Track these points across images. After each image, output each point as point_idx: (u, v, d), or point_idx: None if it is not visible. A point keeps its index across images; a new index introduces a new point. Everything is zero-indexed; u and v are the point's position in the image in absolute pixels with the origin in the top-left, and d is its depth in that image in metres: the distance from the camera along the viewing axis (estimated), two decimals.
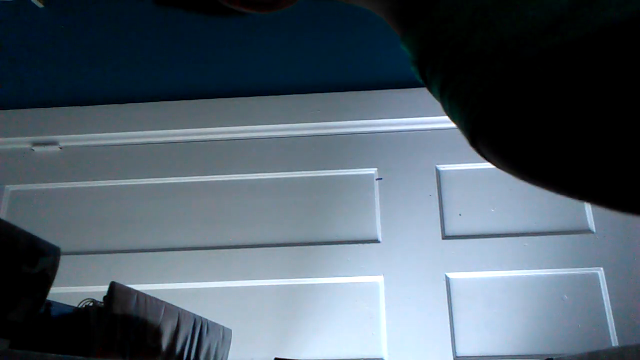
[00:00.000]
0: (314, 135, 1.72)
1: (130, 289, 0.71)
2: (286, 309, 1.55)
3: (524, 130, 0.37)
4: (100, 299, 0.70)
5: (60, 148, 1.76)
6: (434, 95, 0.47)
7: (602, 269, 1.52)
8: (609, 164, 0.34)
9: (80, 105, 1.77)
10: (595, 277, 1.53)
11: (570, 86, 0.34)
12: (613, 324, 1.47)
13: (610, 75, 0.32)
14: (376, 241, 1.59)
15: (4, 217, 1.63)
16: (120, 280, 0.70)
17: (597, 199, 0.38)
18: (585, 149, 0.34)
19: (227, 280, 1.58)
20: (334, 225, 1.62)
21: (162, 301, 0.79)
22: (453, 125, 0.50)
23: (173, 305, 0.83)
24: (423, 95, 1.70)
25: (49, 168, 1.73)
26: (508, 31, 0.36)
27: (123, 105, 1.76)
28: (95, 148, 1.75)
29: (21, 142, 1.75)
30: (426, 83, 0.47)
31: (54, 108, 1.77)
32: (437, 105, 0.50)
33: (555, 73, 0.34)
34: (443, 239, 1.58)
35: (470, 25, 0.38)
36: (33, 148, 1.75)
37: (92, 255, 1.61)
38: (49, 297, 0.53)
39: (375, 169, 1.67)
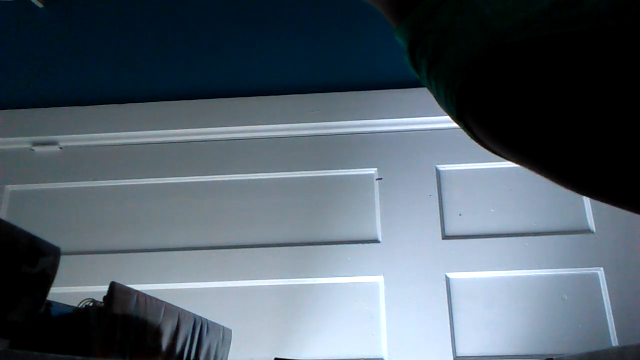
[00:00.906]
0: (314, 135, 1.72)
1: (130, 289, 0.71)
2: (286, 309, 1.55)
3: (504, 97, 0.39)
4: (100, 299, 0.70)
5: (60, 148, 1.76)
6: (422, 80, 0.50)
7: (602, 269, 1.52)
8: (578, 131, 0.36)
9: (80, 105, 1.77)
10: (595, 277, 1.53)
11: (546, 62, 0.36)
12: (613, 324, 1.47)
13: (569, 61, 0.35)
14: (376, 241, 1.59)
15: (4, 217, 1.63)
16: (120, 280, 0.70)
17: (571, 173, 0.40)
18: (556, 116, 0.37)
19: (227, 280, 1.58)
20: (334, 225, 1.62)
21: (162, 301, 0.79)
22: (453, 125, 0.52)
23: (173, 305, 0.83)
24: (423, 95, 1.70)
25: (49, 168, 1.73)
26: (490, 12, 0.39)
27: (123, 105, 1.76)
28: (95, 148, 1.75)
29: (21, 142, 1.75)
30: (416, 69, 0.50)
31: (54, 108, 1.77)
32: (437, 105, 0.51)
33: (532, 47, 0.37)
34: (443, 239, 1.58)
35: (456, 10, 0.41)
36: (33, 148, 1.75)
37: (92, 255, 1.61)
38: (49, 297, 0.53)
39: (375, 169, 1.67)
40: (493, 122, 0.42)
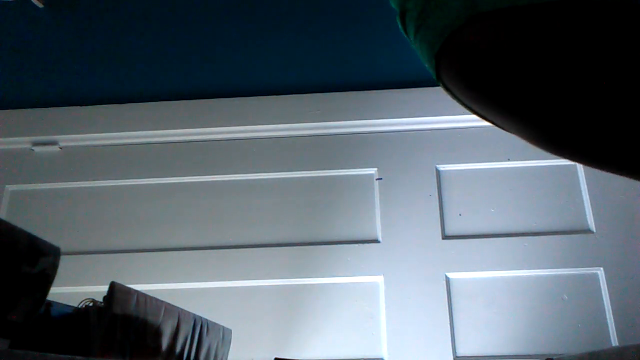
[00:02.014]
0: (314, 135, 1.72)
1: (130, 289, 0.71)
2: (286, 309, 1.55)
3: (480, 55, 0.44)
4: (100, 299, 0.70)
5: (60, 148, 1.76)
6: (411, 44, 0.55)
7: (602, 269, 1.52)
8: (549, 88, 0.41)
9: (80, 105, 1.77)
10: (595, 277, 1.53)
11: (526, 26, 0.41)
12: (613, 324, 1.47)
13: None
14: (376, 241, 1.59)
15: (4, 217, 1.63)
16: (120, 280, 0.70)
17: (541, 125, 0.45)
18: (527, 70, 0.42)
19: (227, 280, 1.58)
20: (334, 225, 1.62)
21: (162, 301, 0.79)
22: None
23: (173, 305, 0.83)
24: (423, 95, 1.70)
25: (49, 168, 1.73)
26: None
27: (123, 105, 1.76)
28: (95, 148, 1.75)
29: (21, 142, 1.75)
30: (406, 33, 0.55)
31: (54, 108, 1.77)
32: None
33: (513, 14, 0.41)
34: (443, 239, 1.58)
35: None
36: (33, 148, 1.75)
37: (92, 255, 1.61)
38: (49, 297, 0.53)
39: (375, 169, 1.67)
40: (469, 79, 0.47)
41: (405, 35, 0.56)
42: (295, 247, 1.60)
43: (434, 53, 0.48)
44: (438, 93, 1.69)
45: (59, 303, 0.68)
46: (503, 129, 0.52)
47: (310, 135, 1.72)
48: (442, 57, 0.47)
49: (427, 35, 0.48)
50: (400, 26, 0.56)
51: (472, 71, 0.45)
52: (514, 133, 0.50)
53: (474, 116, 0.53)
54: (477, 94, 0.47)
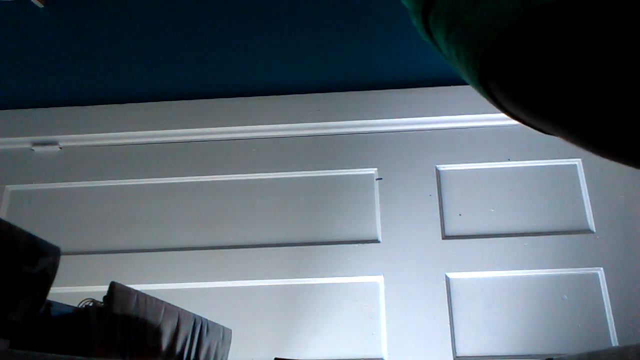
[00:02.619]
0: (314, 135, 1.72)
1: (130, 289, 0.71)
2: (286, 309, 1.55)
3: (533, 64, 0.37)
4: (100, 299, 0.70)
5: (60, 148, 1.76)
6: (437, 42, 0.48)
7: (602, 269, 1.52)
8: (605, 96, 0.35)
9: (80, 105, 1.77)
10: (595, 277, 1.53)
11: (580, 28, 0.34)
12: (613, 324, 1.47)
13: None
14: (376, 241, 1.59)
15: (4, 217, 1.63)
16: (120, 280, 0.70)
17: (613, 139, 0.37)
18: (585, 84, 0.35)
19: (227, 280, 1.58)
20: (334, 225, 1.62)
21: (162, 301, 0.79)
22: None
23: (173, 305, 0.83)
24: (423, 95, 1.70)
25: (49, 168, 1.73)
26: None
27: (123, 105, 1.76)
28: (95, 148, 1.75)
29: (21, 142, 1.75)
30: (427, 31, 0.48)
31: (54, 108, 1.77)
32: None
33: (567, 17, 0.35)
34: (443, 239, 1.58)
35: None
36: (33, 148, 1.75)
37: (92, 255, 1.61)
38: (49, 297, 0.53)
39: (375, 169, 1.67)
40: (527, 87, 0.39)
41: (424, 35, 0.49)
42: (295, 247, 1.60)
43: (478, 54, 0.41)
44: (438, 93, 1.69)
45: (59, 303, 0.68)
46: (550, 134, 0.44)
47: (310, 135, 1.72)
48: (493, 58, 0.40)
49: (466, 33, 0.42)
50: (419, 25, 0.49)
51: (537, 74, 0.38)
52: (565, 137, 0.42)
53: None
54: (541, 100, 0.40)
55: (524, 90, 0.40)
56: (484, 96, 0.45)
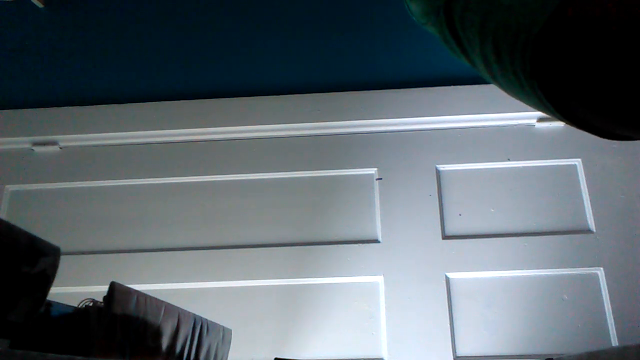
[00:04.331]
0: (314, 135, 1.72)
1: (130, 289, 0.71)
2: (286, 309, 1.55)
3: (605, 43, 0.31)
4: (100, 299, 0.70)
5: (60, 148, 1.76)
6: (463, 40, 0.43)
7: (602, 269, 1.52)
8: None
9: (80, 105, 1.77)
10: (595, 277, 1.53)
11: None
12: (613, 324, 1.47)
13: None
14: (376, 241, 1.59)
15: (4, 217, 1.63)
16: (120, 280, 0.70)
17: None
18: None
19: (227, 280, 1.58)
20: (334, 225, 1.62)
21: (162, 301, 0.79)
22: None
23: (173, 305, 0.83)
24: (423, 95, 1.70)
25: (49, 168, 1.73)
26: None
27: (123, 105, 1.76)
28: (95, 148, 1.75)
29: (21, 142, 1.75)
30: (451, 29, 0.43)
31: (54, 108, 1.77)
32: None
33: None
34: (443, 239, 1.58)
35: None
36: (33, 148, 1.75)
37: (92, 255, 1.61)
38: (49, 297, 0.53)
39: (375, 169, 1.67)
40: (599, 69, 0.33)
41: (446, 34, 0.44)
42: (295, 247, 1.60)
43: (530, 38, 0.34)
44: (438, 93, 1.69)
45: (59, 303, 0.68)
46: (621, 135, 0.38)
47: (310, 135, 1.72)
48: (549, 39, 0.33)
49: (510, 16, 0.35)
50: (439, 24, 0.44)
51: (610, 54, 0.31)
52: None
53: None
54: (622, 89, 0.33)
55: (596, 74, 0.33)
56: (533, 94, 0.38)
